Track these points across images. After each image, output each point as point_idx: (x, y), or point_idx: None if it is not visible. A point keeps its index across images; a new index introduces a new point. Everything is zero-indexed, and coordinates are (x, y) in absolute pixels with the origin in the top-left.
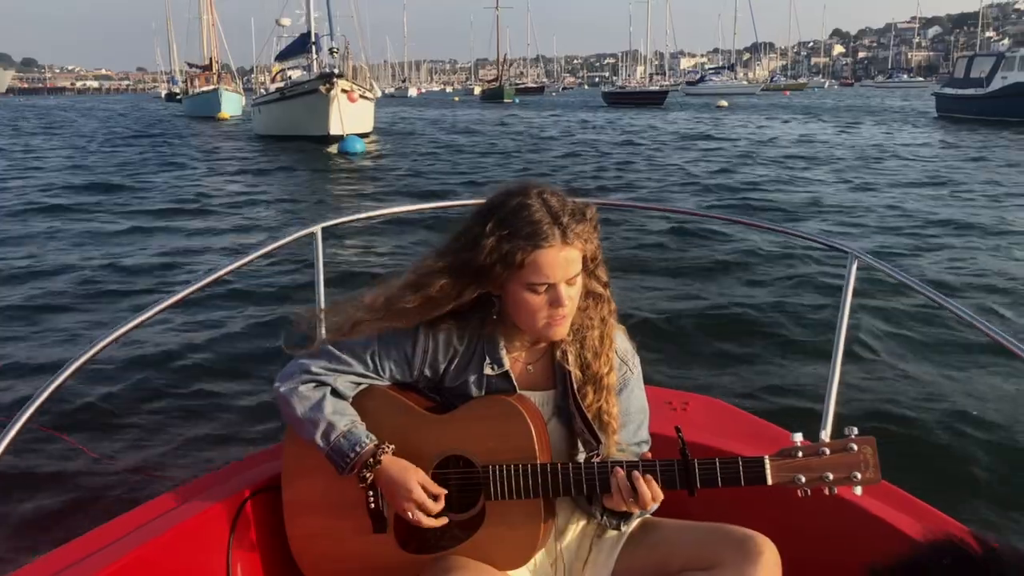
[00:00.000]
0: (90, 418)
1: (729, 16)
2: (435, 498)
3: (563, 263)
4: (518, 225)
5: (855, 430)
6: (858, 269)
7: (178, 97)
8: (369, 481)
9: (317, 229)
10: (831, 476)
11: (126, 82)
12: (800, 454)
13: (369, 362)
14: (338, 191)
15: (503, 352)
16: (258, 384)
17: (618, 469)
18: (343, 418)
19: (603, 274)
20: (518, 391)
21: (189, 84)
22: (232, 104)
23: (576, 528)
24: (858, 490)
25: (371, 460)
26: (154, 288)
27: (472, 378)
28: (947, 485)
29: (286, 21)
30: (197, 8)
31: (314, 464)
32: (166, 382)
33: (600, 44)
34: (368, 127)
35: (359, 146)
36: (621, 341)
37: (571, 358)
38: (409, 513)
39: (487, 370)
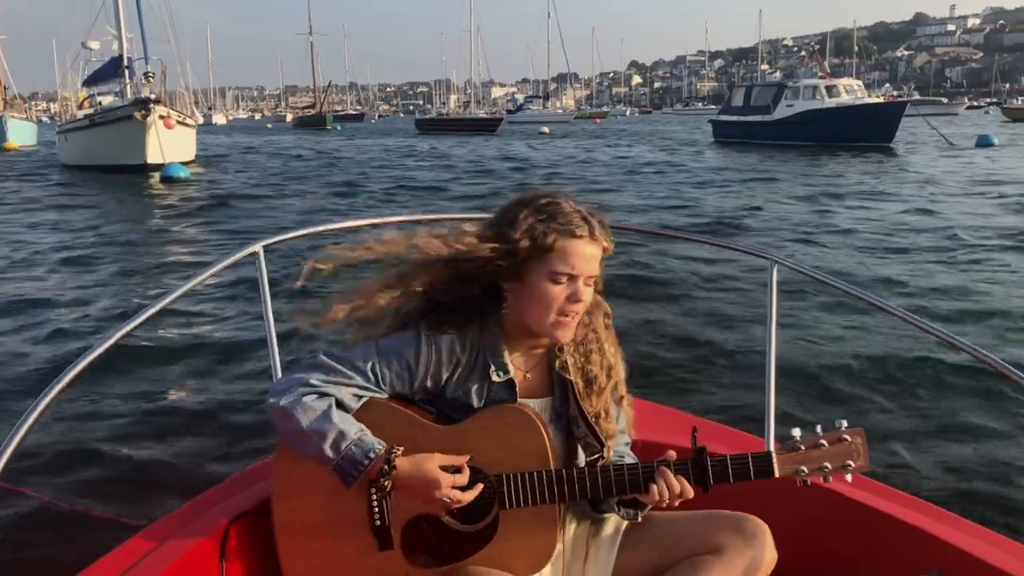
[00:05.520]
0: (48, 464)
1: (536, 47)
2: (459, 470)
3: (589, 257)
4: (553, 213)
5: (844, 422)
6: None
7: None
8: (388, 489)
9: (259, 248)
10: (829, 466)
11: None
12: (802, 447)
13: (370, 374)
14: (168, 222)
15: (507, 358)
16: (222, 411)
17: (664, 469)
18: (352, 426)
19: (599, 283)
20: (518, 399)
21: None
22: (23, 133)
23: (571, 529)
24: (849, 477)
25: (385, 467)
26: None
27: (474, 387)
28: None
29: (94, 44)
30: None
31: (310, 483)
32: (120, 419)
33: (412, 73)
34: (190, 155)
35: (183, 172)
36: None
37: (571, 367)
38: (446, 500)
39: (493, 376)
